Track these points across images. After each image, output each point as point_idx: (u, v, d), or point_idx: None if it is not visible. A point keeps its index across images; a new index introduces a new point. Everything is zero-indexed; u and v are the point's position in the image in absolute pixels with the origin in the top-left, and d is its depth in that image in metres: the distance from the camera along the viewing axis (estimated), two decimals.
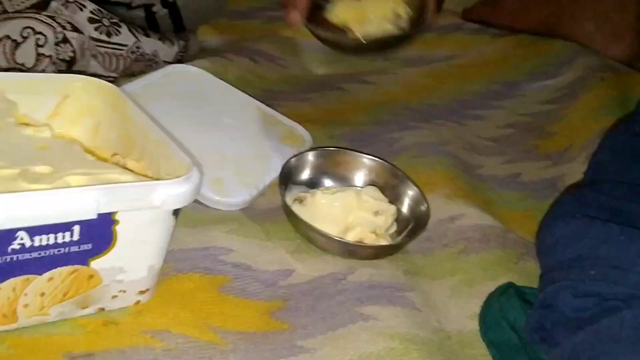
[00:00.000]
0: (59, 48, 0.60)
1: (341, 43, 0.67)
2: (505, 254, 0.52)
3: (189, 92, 0.63)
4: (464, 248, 0.52)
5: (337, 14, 0.67)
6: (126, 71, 0.71)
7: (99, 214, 0.36)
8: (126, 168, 0.43)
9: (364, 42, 0.65)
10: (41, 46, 0.59)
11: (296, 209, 0.51)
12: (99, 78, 0.48)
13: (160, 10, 0.73)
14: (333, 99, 0.78)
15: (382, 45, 0.67)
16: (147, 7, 0.72)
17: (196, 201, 0.53)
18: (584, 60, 0.87)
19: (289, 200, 0.52)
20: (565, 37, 0.97)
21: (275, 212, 0.54)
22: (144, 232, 0.39)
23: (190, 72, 0.66)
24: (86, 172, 0.40)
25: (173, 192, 0.38)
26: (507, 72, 0.90)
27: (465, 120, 0.75)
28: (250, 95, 0.67)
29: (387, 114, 0.74)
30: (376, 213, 0.51)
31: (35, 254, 0.36)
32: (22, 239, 0.35)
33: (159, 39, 0.74)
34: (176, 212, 0.40)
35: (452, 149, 0.66)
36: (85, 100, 0.48)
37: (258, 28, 0.99)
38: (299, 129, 0.64)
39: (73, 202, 0.36)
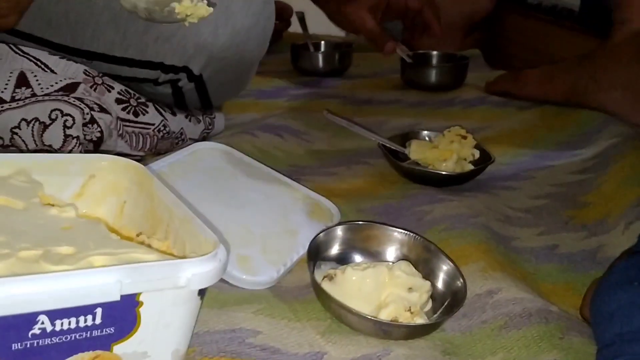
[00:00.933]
0: (86, 129, 0.61)
1: (423, 175, 0.74)
2: (549, 329, 0.49)
3: (215, 169, 0.63)
4: (504, 324, 0.49)
5: (415, 151, 0.77)
6: (153, 149, 0.71)
7: (123, 295, 0.35)
8: (151, 247, 0.42)
9: (447, 175, 0.74)
10: (69, 127, 0.60)
11: (326, 286, 0.49)
12: (126, 157, 0.48)
13: (186, 84, 0.74)
14: (360, 173, 0.78)
15: (458, 179, 0.75)
16: (174, 83, 0.73)
17: (222, 280, 0.51)
18: (612, 128, 0.86)
19: (318, 277, 0.50)
20: (591, 106, 0.97)
21: (304, 290, 0.52)
22: (168, 314, 0.38)
23: (216, 149, 0.66)
24: (110, 252, 0.39)
25: (199, 271, 0.37)
26: (535, 143, 0.89)
27: (497, 191, 0.74)
28: (276, 171, 0.66)
29: (415, 187, 0.73)
30: (410, 289, 0.49)
31: (56, 339, 0.35)
32: (42, 323, 0.34)
33: (186, 117, 0.75)
34: (202, 292, 0.39)
35: (485, 221, 0.64)
36: (110, 179, 0.48)
37: (283, 105, 1.00)
38: (327, 203, 0.63)
39: (95, 283, 0.34)
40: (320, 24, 1.42)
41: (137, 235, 0.45)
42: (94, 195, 0.48)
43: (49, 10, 0.65)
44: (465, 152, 0.76)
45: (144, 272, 0.36)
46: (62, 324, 0.34)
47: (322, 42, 1.29)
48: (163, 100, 0.75)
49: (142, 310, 0.36)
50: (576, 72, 1.00)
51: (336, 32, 1.58)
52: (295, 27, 1.33)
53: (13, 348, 0.34)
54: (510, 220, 0.67)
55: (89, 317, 0.35)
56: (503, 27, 1.42)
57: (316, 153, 0.83)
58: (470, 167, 0.76)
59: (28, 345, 0.34)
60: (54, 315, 0.34)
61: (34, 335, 0.34)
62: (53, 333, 0.34)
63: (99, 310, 0.35)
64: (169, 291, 0.37)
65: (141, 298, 0.36)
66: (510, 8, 1.40)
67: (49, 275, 0.34)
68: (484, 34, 1.45)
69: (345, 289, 0.48)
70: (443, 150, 0.76)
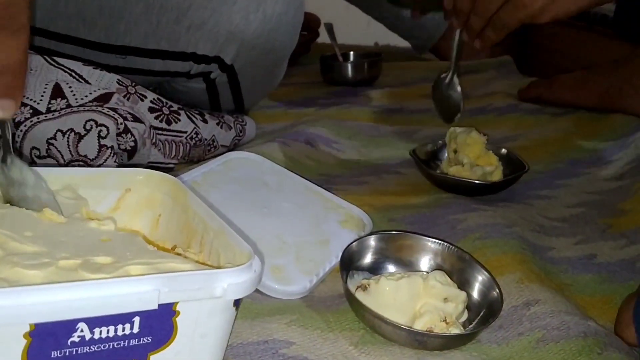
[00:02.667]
0: (120, 139, 0.61)
1: (456, 184, 0.72)
2: (587, 344, 0.47)
3: (248, 178, 0.63)
4: (541, 337, 0.48)
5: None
6: (185, 157, 0.71)
7: (160, 305, 0.35)
8: (198, 261, 0.42)
9: (480, 184, 0.72)
10: (103, 138, 0.60)
11: (360, 296, 0.48)
12: (159, 165, 0.49)
13: (219, 75, 0.74)
14: (391, 182, 0.77)
15: (491, 188, 0.73)
16: (206, 75, 0.74)
17: (256, 290, 0.51)
18: None
19: (351, 287, 0.49)
20: (626, 111, 0.95)
21: (337, 300, 0.52)
22: (204, 325, 0.38)
23: (249, 159, 0.67)
24: (147, 261, 0.39)
25: (234, 281, 0.37)
26: (570, 150, 0.88)
27: (531, 201, 0.72)
28: (308, 180, 0.66)
29: (447, 196, 0.72)
30: (445, 300, 0.48)
31: (94, 347, 0.35)
32: (82, 330, 0.34)
33: (217, 124, 0.75)
34: (237, 303, 0.38)
35: (520, 231, 0.63)
36: (146, 193, 0.49)
37: (313, 115, 1.00)
38: (359, 212, 0.63)
39: (134, 291, 0.34)
40: (349, 34, 1.42)
41: (173, 248, 0.46)
42: (129, 208, 0.49)
43: (84, 8, 0.67)
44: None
45: (181, 281, 0.36)
46: (100, 332, 0.34)
47: (351, 52, 1.29)
48: (197, 98, 0.75)
49: (179, 320, 0.37)
50: (611, 77, 0.98)
51: (365, 41, 1.59)
52: (323, 38, 1.34)
53: (52, 356, 0.34)
54: (546, 230, 0.66)
55: (127, 325, 0.35)
56: (535, 33, 1.40)
57: (347, 162, 0.83)
58: (498, 168, 0.75)
59: (67, 353, 0.34)
60: (93, 323, 0.34)
61: (73, 343, 0.34)
62: (92, 341, 0.34)
63: (137, 319, 0.35)
64: (205, 301, 0.37)
65: (178, 307, 0.36)
66: None
67: (89, 283, 0.34)
68: (515, 40, 1.44)
69: (379, 299, 0.48)
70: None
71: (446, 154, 0.78)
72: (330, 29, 1.26)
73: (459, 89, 0.77)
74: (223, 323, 0.38)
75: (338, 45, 1.26)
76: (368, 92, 1.16)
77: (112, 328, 0.35)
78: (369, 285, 0.49)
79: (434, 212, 0.68)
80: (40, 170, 0.46)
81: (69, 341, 0.34)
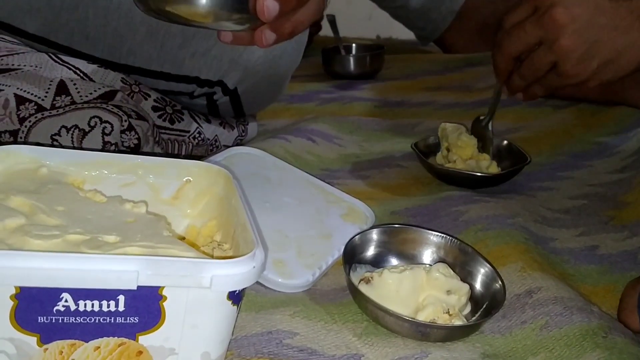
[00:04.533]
0: (124, 136, 0.62)
1: (458, 177, 0.73)
2: (591, 328, 0.48)
3: (250, 173, 0.63)
4: (544, 323, 0.48)
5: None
6: (188, 156, 0.72)
7: (142, 286, 0.36)
8: (199, 248, 0.43)
9: (482, 176, 0.73)
10: (107, 134, 0.61)
11: (363, 289, 0.48)
12: None
13: (221, 97, 0.75)
14: (392, 176, 0.78)
15: (493, 180, 0.74)
16: (209, 96, 0.74)
17: (258, 283, 0.52)
18: None
19: (354, 280, 0.50)
20: (628, 102, 0.95)
21: (340, 293, 0.52)
22: (195, 315, 0.38)
23: (250, 154, 0.67)
24: (150, 245, 0.40)
25: (224, 273, 0.37)
26: (572, 142, 0.88)
27: (533, 192, 0.73)
28: (309, 174, 0.66)
29: (449, 189, 0.72)
30: (448, 292, 0.48)
31: (80, 319, 0.36)
32: (66, 300, 0.35)
33: (220, 124, 0.75)
34: (233, 297, 0.38)
35: (522, 222, 0.63)
36: (203, 185, 0.51)
37: (314, 110, 1.00)
38: (361, 205, 0.63)
39: (114, 269, 0.35)
40: (351, 27, 1.42)
41: (211, 242, 0.47)
42: (189, 198, 0.50)
43: (87, 25, 0.67)
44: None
45: (165, 265, 0.36)
46: (85, 304, 0.36)
47: (353, 45, 1.30)
48: (198, 109, 0.76)
49: (166, 305, 0.37)
50: None
51: (367, 34, 1.59)
52: (326, 30, 1.34)
53: (39, 320, 0.36)
54: (548, 222, 0.66)
55: (112, 302, 0.36)
56: None
57: (348, 157, 0.83)
58: (492, 163, 0.76)
59: (53, 320, 0.36)
60: (77, 294, 0.36)
61: (58, 311, 0.36)
62: (77, 313, 0.36)
63: (121, 298, 0.36)
64: (193, 290, 0.37)
65: (164, 292, 0.37)
66: None
67: (73, 256, 0.36)
68: None
69: (383, 292, 0.48)
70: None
71: (441, 148, 0.79)
72: (332, 21, 1.26)
73: (490, 133, 0.79)
74: (217, 317, 0.39)
75: (340, 38, 1.26)
76: (370, 84, 1.16)
77: (96, 303, 0.36)
78: (372, 278, 0.49)
79: (435, 204, 0.68)
80: (112, 155, 0.49)
81: (55, 309, 0.36)
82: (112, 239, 0.40)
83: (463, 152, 0.76)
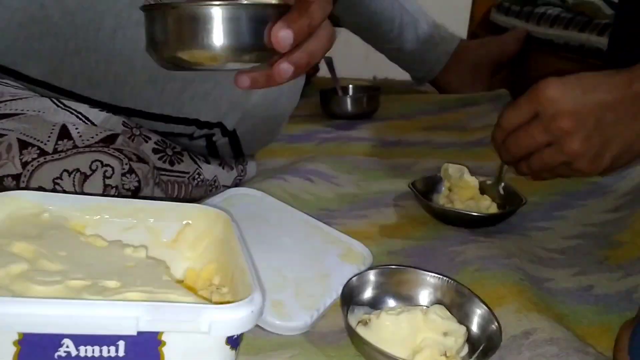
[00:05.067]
0: (124, 178, 0.63)
1: (455, 216, 0.74)
2: None
3: (248, 214, 0.64)
4: None
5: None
6: (187, 197, 0.73)
7: (141, 332, 0.36)
8: (196, 293, 0.43)
9: (478, 216, 0.74)
10: (108, 177, 0.62)
11: (361, 331, 0.49)
12: None
13: (220, 139, 0.76)
14: (390, 215, 0.78)
15: (489, 221, 0.75)
16: (208, 137, 0.75)
17: (257, 326, 0.52)
18: None
19: (352, 322, 0.50)
20: None
21: (338, 335, 0.53)
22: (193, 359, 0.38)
23: (249, 194, 0.68)
24: (149, 290, 0.40)
25: (222, 318, 0.37)
26: (566, 182, 0.88)
27: (529, 232, 0.74)
28: (307, 214, 0.67)
29: (446, 228, 0.73)
30: (445, 334, 0.49)
31: None
32: (67, 346, 0.36)
33: (219, 164, 0.77)
34: (232, 342, 0.39)
35: (518, 262, 0.64)
36: (202, 227, 0.52)
37: (312, 149, 1.02)
38: (358, 246, 0.64)
39: (114, 315, 0.36)
40: (348, 67, 1.44)
41: (209, 285, 0.47)
42: (188, 241, 0.51)
43: (90, 69, 0.68)
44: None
45: (164, 311, 0.37)
46: (86, 350, 0.36)
47: (350, 86, 1.32)
48: (197, 150, 0.77)
49: (166, 350, 0.38)
50: None
51: (364, 74, 1.61)
52: (323, 72, 1.36)
53: None
54: (544, 262, 0.67)
55: (112, 348, 0.37)
56: (531, 66, 1.43)
57: (346, 196, 0.84)
58: (492, 205, 0.77)
59: None
60: (78, 340, 0.36)
61: (59, 357, 0.36)
62: (78, 358, 0.36)
63: (121, 343, 0.37)
64: (192, 335, 0.38)
65: (163, 338, 0.37)
66: (537, 48, 1.41)
67: (74, 302, 0.37)
68: (511, 73, 1.46)
69: (380, 334, 0.48)
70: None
71: (443, 188, 0.80)
72: (330, 63, 1.28)
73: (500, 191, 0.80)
74: None
75: (338, 79, 1.28)
76: (367, 124, 1.18)
77: (97, 348, 0.36)
78: (369, 320, 0.49)
79: (432, 244, 0.69)
80: (113, 199, 0.50)
81: (56, 355, 0.36)
82: (113, 284, 0.40)
83: (464, 193, 0.77)
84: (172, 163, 0.70)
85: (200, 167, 0.73)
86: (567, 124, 0.65)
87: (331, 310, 0.56)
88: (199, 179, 0.73)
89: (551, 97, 0.66)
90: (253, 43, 0.47)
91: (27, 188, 0.61)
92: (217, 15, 0.46)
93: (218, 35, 0.46)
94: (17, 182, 0.61)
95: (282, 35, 0.46)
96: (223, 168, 0.77)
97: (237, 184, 0.79)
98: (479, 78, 1.38)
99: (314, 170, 0.87)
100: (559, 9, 1.40)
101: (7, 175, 0.61)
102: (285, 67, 0.49)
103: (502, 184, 0.78)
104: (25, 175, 0.61)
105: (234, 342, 0.39)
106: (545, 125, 0.66)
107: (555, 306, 0.59)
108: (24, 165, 0.61)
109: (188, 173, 0.72)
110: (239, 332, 0.38)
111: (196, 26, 0.46)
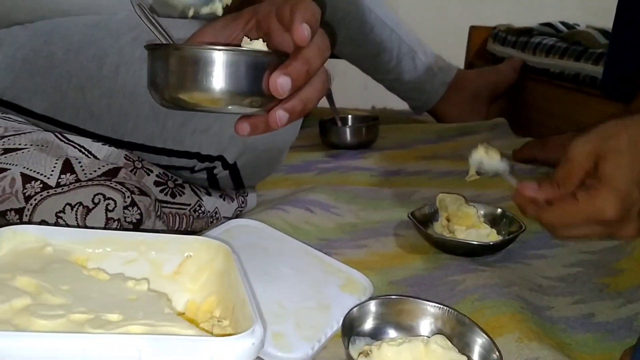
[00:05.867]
0: (127, 211, 0.63)
1: (454, 245, 0.74)
2: None
3: (248, 245, 0.65)
4: None
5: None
6: (189, 228, 0.73)
7: None
8: (198, 326, 0.44)
9: (478, 245, 0.74)
10: (110, 211, 0.62)
11: None
12: None
13: (221, 172, 0.77)
14: (390, 245, 0.79)
15: (489, 249, 0.75)
16: (209, 170, 0.76)
17: (258, 358, 0.52)
18: None
19: (354, 354, 0.50)
20: None
21: None
22: None
23: (249, 226, 0.68)
24: (152, 323, 0.40)
25: (224, 351, 0.37)
26: None
27: (529, 260, 0.74)
28: (307, 245, 0.68)
29: (446, 257, 0.73)
30: None
31: None
32: None
33: (220, 196, 0.77)
34: None
35: (518, 291, 0.64)
36: (204, 259, 0.52)
37: (312, 179, 1.02)
38: (359, 276, 0.64)
39: (116, 348, 0.36)
40: (347, 97, 1.46)
41: (210, 318, 0.47)
42: (189, 273, 0.52)
43: (93, 105, 0.70)
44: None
45: (165, 344, 0.37)
46: None
47: (349, 116, 1.33)
48: (198, 183, 0.78)
49: None
50: None
51: (362, 104, 1.63)
52: (322, 102, 1.37)
53: None
54: (544, 290, 0.67)
55: None
56: (527, 95, 1.45)
57: (346, 226, 0.84)
58: (492, 232, 0.77)
59: None
60: None
61: None
62: None
63: None
64: None
65: None
66: (534, 77, 1.43)
67: (75, 336, 0.37)
68: (509, 102, 1.48)
69: None
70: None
71: (440, 217, 0.81)
72: (329, 94, 1.30)
73: None
74: None
75: (336, 109, 1.29)
76: (366, 154, 1.18)
77: None
78: (370, 351, 0.50)
79: (432, 273, 0.69)
80: (114, 233, 0.51)
81: None
82: (115, 318, 0.41)
83: (464, 222, 0.78)
84: (173, 195, 0.71)
85: (202, 199, 0.74)
86: (632, 232, 0.55)
87: (332, 342, 0.56)
88: (200, 211, 0.74)
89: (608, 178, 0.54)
90: (252, 89, 0.49)
91: (30, 222, 0.62)
92: (219, 60, 0.47)
93: (219, 79, 0.48)
94: (20, 216, 0.62)
95: (281, 82, 0.48)
96: (224, 200, 0.78)
97: (237, 215, 0.80)
98: (477, 107, 1.40)
99: (313, 201, 0.88)
100: (554, 38, 1.42)
101: (11, 209, 0.62)
102: (280, 115, 0.50)
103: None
104: (28, 209, 0.62)
105: None
106: (609, 234, 0.56)
107: (556, 334, 0.59)
108: (27, 199, 0.62)
109: (189, 205, 0.73)
110: None
111: (198, 69, 0.48)
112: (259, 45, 0.51)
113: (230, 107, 0.49)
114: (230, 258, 0.50)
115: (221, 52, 0.47)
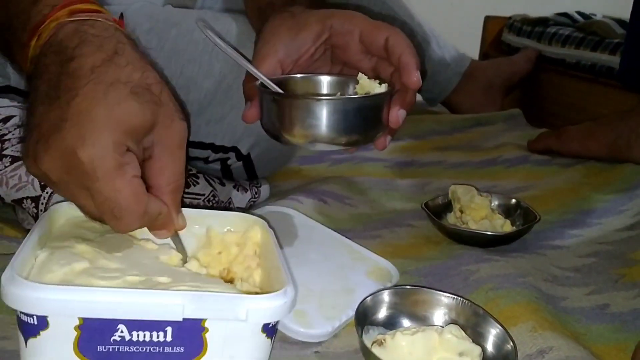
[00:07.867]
0: None
1: (468, 236, 0.75)
2: None
3: (278, 231, 0.65)
4: None
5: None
6: None
7: (186, 318, 0.40)
8: (241, 290, 0.47)
9: (492, 235, 0.75)
10: None
11: (376, 351, 0.49)
12: None
13: (234, 162, 0.77)
14: (403, 235, 0.78)
15: (503, 239, 0.75)
16: (223, 161, 0.77)
17: (280, 333, 0.53)
18: None
19: (367, 342, 0.50)
20: (634, 160, 0.96)
21: (353, 355, 0.53)
22: (233, 346, 0.42)
23: (281, 212, 0.70)
24: (197, 285, 0.44)
25: (259, 307, 0.41)
26: (581, 200, 0.89)
27: (543, 251, 0.73)
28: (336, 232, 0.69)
29: (459, 248, 0.73)
30: (461, 354, 0.49)
31: (133, 348, 0.41)
32: (122, 331, 0.40)
33: (234, 186, 0.77)
34: (268, 330, 0.42)
35: (532, 281, 0.64)
36: (241, 233, 0.56)
37: (325, 171, 1.02)
38: (386, 264, 0.65)
39: (162, 302, 0.40)
40: None
41: (248, 282, 0.52)
42: (229, 245, 0.56)
43: None
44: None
45: (206, 300, 0.41)
46: (138, 335, 0.41)
47: None
48: (212, 173, 0.78)
49: (208, 337, 0.42)
50: (618, 127, 1.00)
51: None
52: None
53: (98, 349, 0.41)
54: (559, 280, 0.67)
55: (161, 333, 0.41)
56: (543, 86, 1.43)
57: (359, 216, 0.84)
58: (507, 222, 0.77)
59: (110, 350, 0.41)
60: (131, 325, 0.41)
61: (115, 341, 0.41)
62: (131, 342, 0.41)
63: (169, 329, 0.41)
64: (232, 323, 0.41)
65: (206, 324, 0.41)
66: (549, 68, 1.42)
67: (127, 290, 0.41)
68: (524, 93, 1.47)
69: (395, 354, 0.49)
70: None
71: (453, 210, 0.80)
72: None
73: None
74: (253, 348, 0.43)
75: None
76: None
77: (147, 333, 0.41)
78: (384, 340, 0.50)
79: (446, 263, 0.69)
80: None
81: (112, 339, 0.40)
82: (165, 280, 0.44)
83: (477, 214, 0.77)
84: (187, 185, 0.71)
85: (216, 189, 0.74)
86: None
87: (345, 331, 0.56)
88: (214, 201, 0.74)
89: None
90: (378, 125, 0.57)
91: (46, 210, 0.62)
92: (359, 107, 0.55)
93: (358, 124, 0.56)
94: (36, 204, 0.63)
95: (401, 114, 0.57)
96: (237, 190, 0.78)
97: (251, 205, 0.80)
98: (491, 98, 1.39)
99: (327, 191, 0.88)
100: (570, 28, 1.41)
101: (27, 197, 0.63)
102: (388, 140, 0.59)
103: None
104: (44, 198, 0.62)
105: (269, 330, 0.43)
106: None
107: (571, 325, 0.59)
108: (43, 187, 0.63)
109: (204, 195, 0.73)
110: (273, 320, 0.42)
111: (340, 117, 0.55)
112: (377, 86, 0.57)
113: (357, 144, 0.57)
114: (266, 231, 0.54)
115: (358, 99, 0.56)
